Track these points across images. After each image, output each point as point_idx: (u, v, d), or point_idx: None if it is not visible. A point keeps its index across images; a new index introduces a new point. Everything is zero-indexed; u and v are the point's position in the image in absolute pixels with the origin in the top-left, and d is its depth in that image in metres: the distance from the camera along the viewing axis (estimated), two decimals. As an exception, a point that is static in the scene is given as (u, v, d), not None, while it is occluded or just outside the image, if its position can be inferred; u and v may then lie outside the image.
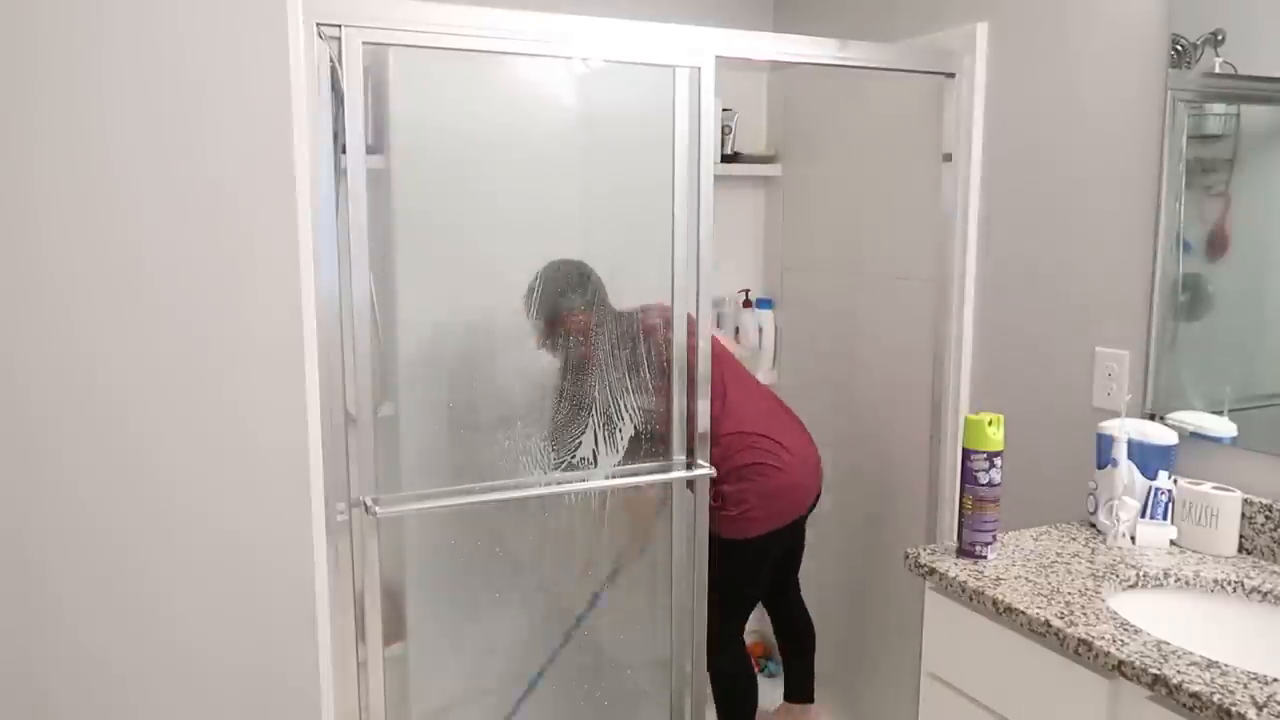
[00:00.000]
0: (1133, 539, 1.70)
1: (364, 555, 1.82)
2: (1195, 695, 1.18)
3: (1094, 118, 1.94)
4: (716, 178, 2.08)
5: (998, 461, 1.60)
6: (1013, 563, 1.61)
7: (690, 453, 2.14)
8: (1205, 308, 1.76)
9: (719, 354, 2.35)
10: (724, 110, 2.78)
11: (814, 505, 2.38)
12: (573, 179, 2.27)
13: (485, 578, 2.36)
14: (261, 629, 1.68)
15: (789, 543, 2.45)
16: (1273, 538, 1.62)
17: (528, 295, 2.17)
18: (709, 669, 2.39)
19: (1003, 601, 1.46)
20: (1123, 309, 1.89)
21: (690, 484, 2.16)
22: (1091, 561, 1.62)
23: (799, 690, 2.63)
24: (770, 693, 2.93)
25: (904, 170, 2.46)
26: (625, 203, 2.23)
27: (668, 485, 2.19)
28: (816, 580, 2.81)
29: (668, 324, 2.13)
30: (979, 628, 1.52)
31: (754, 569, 2.37)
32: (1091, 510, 1.79)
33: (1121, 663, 1.28)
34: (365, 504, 1.80)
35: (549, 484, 2.03)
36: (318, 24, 1.65)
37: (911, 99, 2.40)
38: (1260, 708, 1.14)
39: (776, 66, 2.89)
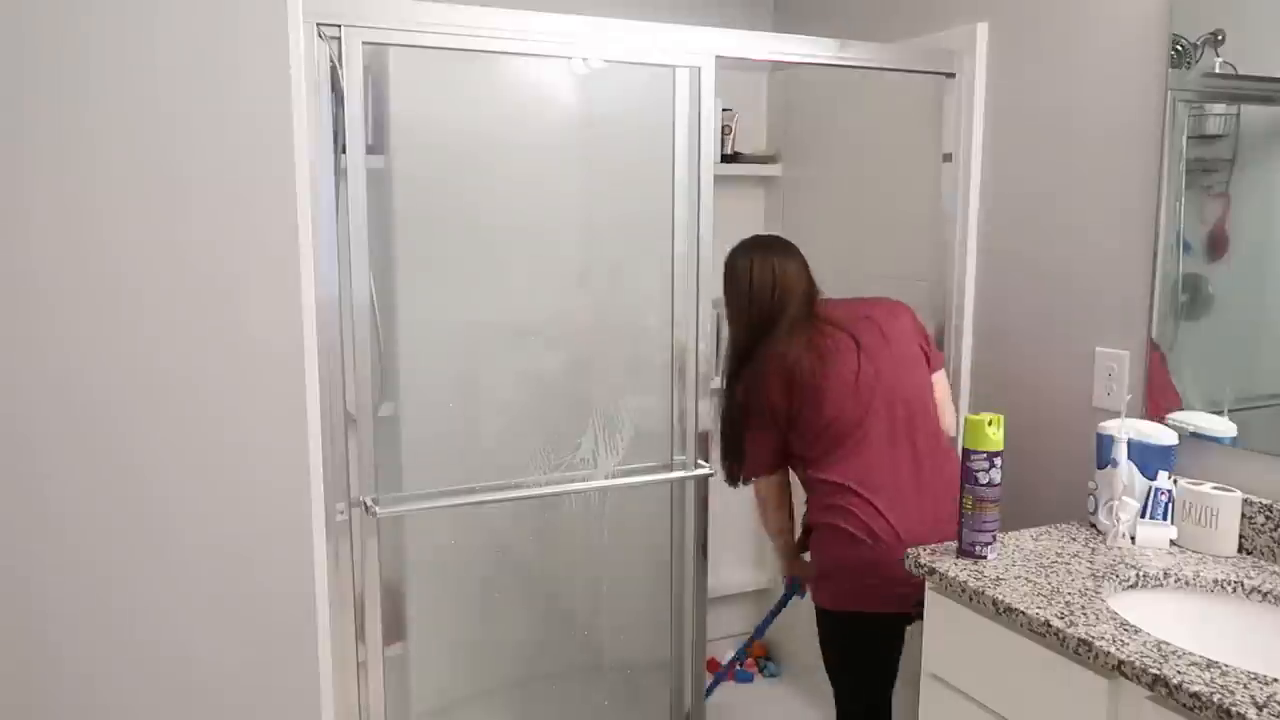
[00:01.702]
0: (1133, 539, 1.70)
1: (364, 555, 1.82)
2: (1195, 695, 1.18)
3: (1094, 118, 1.94)
4: (716, 178, 2.08)
5: (998, 461, 1.60)
6: (1013, 563, 1.61)
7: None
8: (1205, 308, 1.76)
9: (875, 373, 1.93)
10: (724, 110, 2.78)
11: (920, 608, 1.70)
12: (573, 179, 2.27)
13: (485, 578, 2.36)
14: (261, 629, 1.67)
15: (879, 640, 1.94)
16: (1273, 538, 1.62)
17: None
18: None
19: (1003, 601, 1.46)
20: (1123, 309, 1.89)
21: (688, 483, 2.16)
22: (1091, 561, 1.62)
23: None
24: (770, 693, 2.94)
25: (904, 170, 2.46)
26: (625, 203, 2.23)
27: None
28: (816, 580, 2.81)
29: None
30: (979, 628, 1.52)
31: (843, 642, 1.99)
32: (1091, 510, 1.79)
33: (1121, 663, 1.28)
34: (365, 504, 1.80)
35: (549, 484, 2.03)
36: (318, 24, 1.65)
37: (911, 99, 2.40)
38: (1260, 708, 1.14)
39: (776, 66, 2.89)
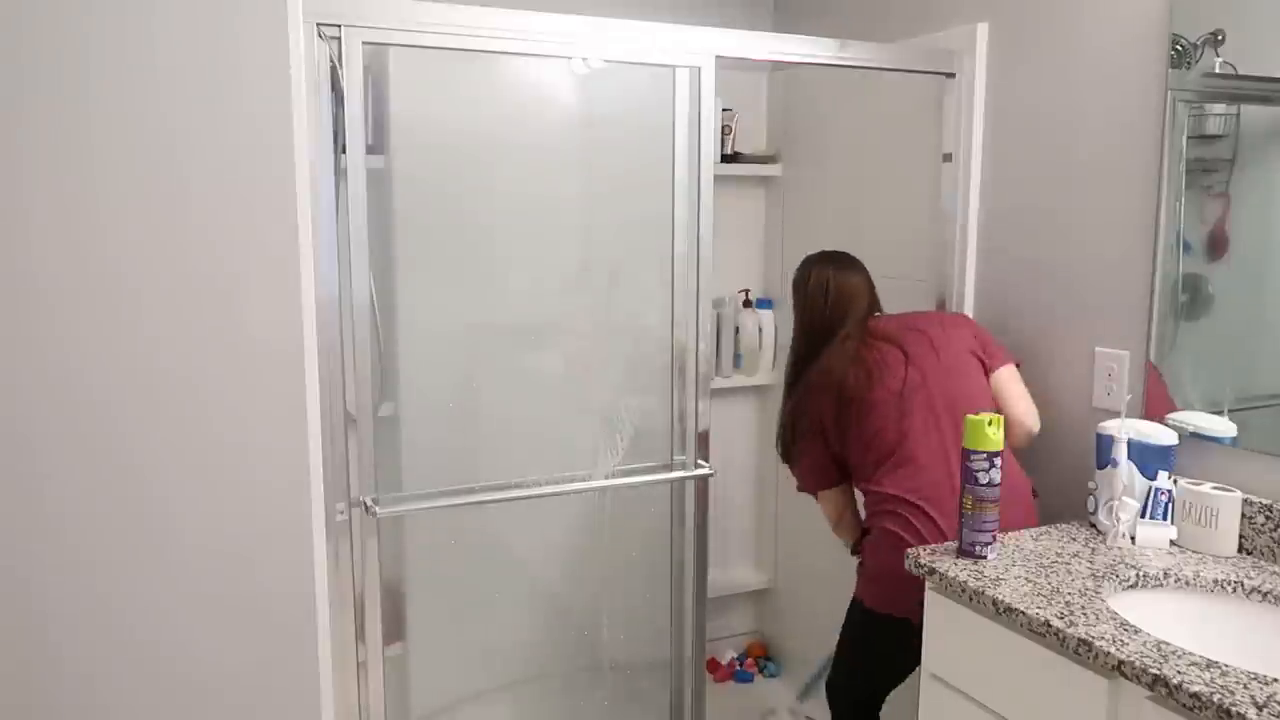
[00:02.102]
0: (1133, 539, 1.70)
1: (364, 555, 1.82)
2: (1195, 695, 1.18)
3: (1094, 118, 1.94)
4: (716, 178, 2.08)
5: (998, 461, 1.60)
6: (1013, 563, 1.61)
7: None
8: (1205, 308, 1.76)
9: (923, 384, 1.91)
10: (724, 110, 2.78)
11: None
12: (573, 179, 2.27)
13: (485, 578, 2.36)
14: (261, 629, 1.67)
15: (905, 647, 1.81)
16: (1273, 538, 1.62)
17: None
18: None
19: (1003, 601, 1.46)
20: (1123, 309, 1.89)
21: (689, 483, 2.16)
22: (1091, 561, 1.62)
23: None
24: (770, 693, 2.94)
25: (904, 170, 2.46)
26: (625, 203, 2.23)
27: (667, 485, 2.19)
28: (817, 578, 2.81)
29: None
30: (979, 628, 1.52)
31: (867, 640, 1.99)
32: (1091, 510, 1.79)
33: (1121, 663, 1.28)
34: (365, 504, 1.80)
35: (549, 484, 2.03)
36: (318, 24, 1.65)
37: (911, 99, 2.40)
38: (1260, 708, 1.14)
39: (776, 66, 2.89)
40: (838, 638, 2.05)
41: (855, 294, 2.04)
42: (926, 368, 1.93)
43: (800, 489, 2.13)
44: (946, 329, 2.01)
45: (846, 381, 1.94)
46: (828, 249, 2.13)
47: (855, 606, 1.99)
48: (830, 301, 2.02)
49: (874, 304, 2.08)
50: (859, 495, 2.04)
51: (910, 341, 1.96)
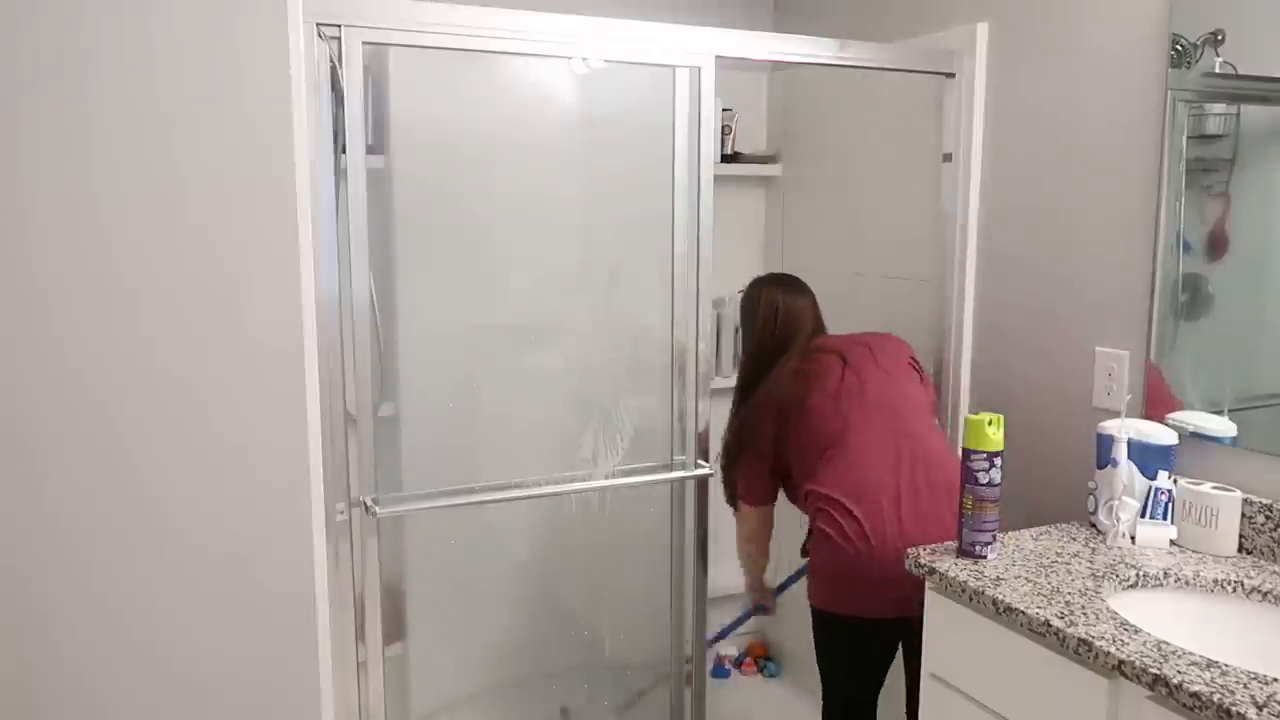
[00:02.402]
0: (1133, 539, 1.70)
1: (364, 555, 1.82)
2: (1195, 695, 1.18)
3: (1094, 117, 1.94)
4: (716, 178, 2.08)
5: (998, 461, 1.60)
6: (1013, 563, 1.61)
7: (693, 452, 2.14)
8: (1205, 308, 1.76)
9: (859, 385, 1.98)
10: (724, 110, 2.78)
11: (915, 619, 1.71)
12: (573, 179, 2.27)
13: (485, 578, 2.36)
14: (261, 629, 1.67)
15: (872, 644, 1.97)
16: (1273, 538, 1.62)
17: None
18: None
19: (1003, 601, 1.46)
20: (1123, 309, 1.89)
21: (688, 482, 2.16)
22: (1091, 561, 1.62)
23: None
24: (770, 693, 2.94)
25: (904, 170, 2.46)
26: (625, 203, 2.23)
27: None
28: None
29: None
30: (979, 628, 1.52)
31: (826, 641, 2.01)
32: (1091, 510, 1.79)
33: (1121, 663, 1.28)
34: (365, 504, 1.80)
35: (549, 484, 2.03)
36: (318, 24, 1.65)
37: (911, 99, 2.40)
38: (1260, 708, 1.14)
39: (776, 66, 2.89)
40: None
41: (803, 316, 2.14)
42: (866, 373, 2.01)
43: (728, 501, 2.20)
44: (889, 341, 2.11)
45: (787, 393, 2.03)
46: (775, 271, 2.24)
47: (810, 608, 2.02)
48: (780, 323, 2.12)
49: (819, 327, 2.16)
50: (801, 500, 2.05)
51: (849, 350, 2.06)
